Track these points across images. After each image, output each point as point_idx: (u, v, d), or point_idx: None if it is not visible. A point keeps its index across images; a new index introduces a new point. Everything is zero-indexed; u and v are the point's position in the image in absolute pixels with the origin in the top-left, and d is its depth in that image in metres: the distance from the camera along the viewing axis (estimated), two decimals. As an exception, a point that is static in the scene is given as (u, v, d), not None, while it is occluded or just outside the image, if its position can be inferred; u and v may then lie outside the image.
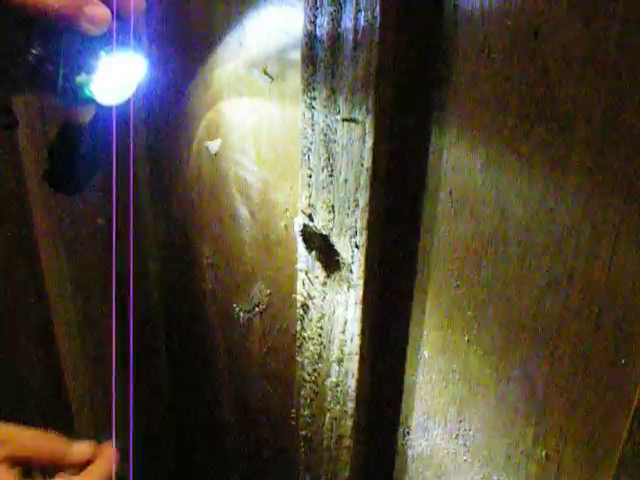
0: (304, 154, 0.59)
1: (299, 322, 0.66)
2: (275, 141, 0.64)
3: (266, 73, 0.62)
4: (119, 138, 0.76)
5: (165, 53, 0.73)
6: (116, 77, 0.61)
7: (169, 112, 0.76)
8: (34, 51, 0.58)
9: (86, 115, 0.67)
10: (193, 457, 1.04)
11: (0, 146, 1.02)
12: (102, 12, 0.56)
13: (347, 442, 0.67)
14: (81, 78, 0.59)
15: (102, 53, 0.59)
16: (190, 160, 0.75)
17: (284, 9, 0.58)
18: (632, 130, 0.41)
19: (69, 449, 0.68)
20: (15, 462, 0.66)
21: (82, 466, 0.69)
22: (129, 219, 0.80)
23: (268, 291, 0.72)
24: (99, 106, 0.69)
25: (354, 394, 0.64)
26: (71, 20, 0.56)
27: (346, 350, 0.63)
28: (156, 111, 0.78)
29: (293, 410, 0.72)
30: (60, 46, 0.58)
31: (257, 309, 0.74)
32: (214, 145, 0.71)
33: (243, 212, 0.71)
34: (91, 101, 0.61)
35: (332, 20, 0.53)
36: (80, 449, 0.69)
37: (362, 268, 0.59)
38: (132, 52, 0.61)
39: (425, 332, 0.58)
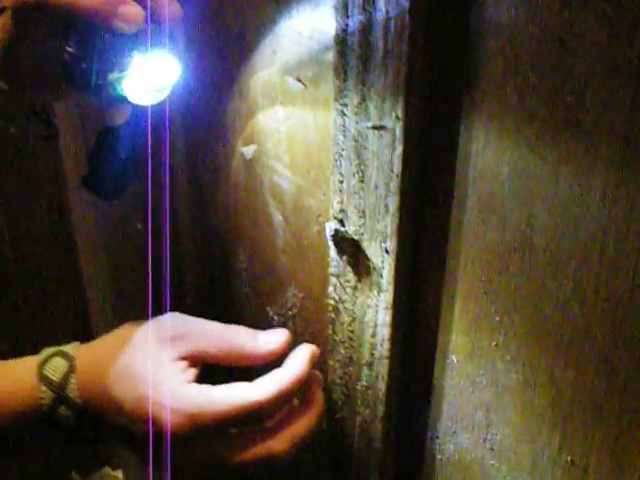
0: (336, 160, 0.60)
1: (330, 326, 0.68)
2: (308, 147, 0.65)
3: (299, 80, 0.63)
4: (156, 143, 0.77)
5: (201, 59, 0.75)
6: (149, 78, 0.62)
7: (206, 118, 0.78)
8: (69, 49, 0.60)
9: (121, 117, 0.68)
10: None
11: (42, 153, 1.05)
12: (135, 11, 0.59)
13: (377, 445, 0.68)
14: (113, 76, 0.60)
15: (135, 53, 0.60)
16: (226, 166, 0.77)
17: (316, 17, 0.59)
18: (655, 138, 0.41)
19: (255, 342, 0.67)
20: (195, 360, 0.66)
21: (272, 362, 0.67)
22: (165, 224, 0.82)
23: (301, 295, 0.73)
24: (135, 110, 0.71)
25: (384, 398, 0.65)
26: (105, 19, 0.58)
27: (376, 354, 0.64)
28: (193, 117, 0.80)
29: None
30: (94, 44, 0.60)
31: (290, 313, 0.75)
32: (249, 151, 0.72)
33: (277, 217, 0.72)
34: (123, 100, 0.63)
35: (363, 28, 0.54)
36: (266, 339, 0.67)
37: (392, 273, 0.59)
38: (166, 55, 0.62)
39: (453, 337, 0.59)
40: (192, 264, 0.90)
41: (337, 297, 0.66)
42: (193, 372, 0.65)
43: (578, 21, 0.43)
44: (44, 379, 0.63)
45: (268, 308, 0.78)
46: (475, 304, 0.56)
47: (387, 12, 0.52)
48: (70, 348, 0.66)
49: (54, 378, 0.63)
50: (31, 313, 1.31)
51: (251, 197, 0.75)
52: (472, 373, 0.58)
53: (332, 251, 0.64)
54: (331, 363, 0.69)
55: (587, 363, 0.49)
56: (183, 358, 0.64)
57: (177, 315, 0.67)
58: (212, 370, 0.68)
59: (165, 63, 0.63)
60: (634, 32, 0.40)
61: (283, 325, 0.76)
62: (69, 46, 0.60)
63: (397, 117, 0.54)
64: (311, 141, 0.64)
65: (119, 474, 1.26)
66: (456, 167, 0.54)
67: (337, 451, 0.74)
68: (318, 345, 0.70)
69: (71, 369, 0.64)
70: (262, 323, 0.80)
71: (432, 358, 0.62)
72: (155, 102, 0.65)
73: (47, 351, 0.66)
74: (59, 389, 0.63)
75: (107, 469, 1.26)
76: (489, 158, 0.51)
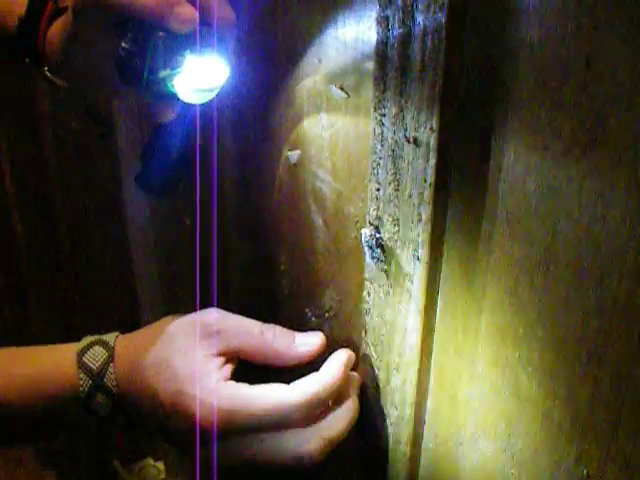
0: (373, 168, 0.62)
1: (363, 329, 0.69)
2: (349, 155, 0.67)
3: (342, 89, 0.65)
4: (205, 143, 0.80)
5: (251, 64, 0.77)
6: (198, 77, 0.65)
7: (254, 121, 0.80)
8: (125, 45, 0.63)
9: (169, 114, 0.71)
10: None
11: (100, 150, 1.09)
12: (190, 12, 0.62)
13: (404, 449, 0.70)
14: (165, 73, 0.63)
15: (187, 52, 0.63)
16: (271, 168, 0.79)
17: (360, 28, 0.61)
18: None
19: (291, 342, 0.68)
20: (232, 356, 0.68)
21: (307, 364, 0.69)
22: (213, 222, 0.84)
23: (338, 298, 0.75)
24: (185, 110, 0.74)
25: (412, 402, 0.67)
26: (160, 18, 0.61)
27: (405, 359, 0.65)
28: (242, 119, 0.83)
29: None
30: (148, 42, 0.63)
31: (327, 315, 0.77)
32: (294, 156, 0.74)
33: (318, 221, 0.74)
34: (173, 97, 0.66)
35: (402, 41, 0.56)
36: (303, 341, 0.69)
37: (422, 280, 0.61)
38: (216, 57, 0.65)
39: (479, 347, 0.60)
40: (237, 262, 0.92)
41: (370, 301, 0.67)
42: (229, 368, 0.67)
43: (605, 43, 0.44)
44: (83, 366, 0.66)
45: (307, 309, 0.80)
46: (500, 315, 0.57)
47: (425, 26, 0.53)
48: (110, 337, 0.69)
49: (93, 366, 0.66)
50: (83, 303, 1.36)
51: (294, 200, 0.77)
52: (496, 383, 0.60)
53: (367, 256, 0.66)
54: (362, 366, 0.71)
55: (604, 378, 0.50)
56: (220, 354, 0.66)
57: (216, 310, 0.69)
58: (248, 367, 0.70)
59: (214, 64, 0.66)
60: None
61: (320, 327, 0.78)
62: (125, 42, 0.63)
63: (432, 129, 0.56)
64: (352, 149, 0.66)
65: (160, 465, 1.29)
66: (487, 181, 0.55)
67: (367, 452, 0.75)
68: (352, 348, 0.72)
69: (110, 358, 0.67)
70: (300, 324, 0.81)
71: (459, 366, 0.63)
72: (203, 101, 0.68)
73: (88, 339, 0.69)
74: (97, 377, 0.66)
75: (149, 459, 1.30)
76: (518, 173, 0.52)
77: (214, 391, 0.63)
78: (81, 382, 0.66)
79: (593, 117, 0.46)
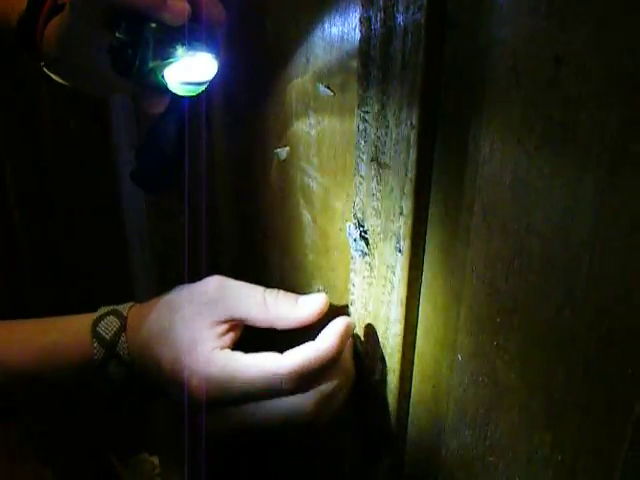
0: (357, 164, 0.64)
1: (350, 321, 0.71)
2: (335, 151, 0.69)
3: (329, 88, 0.67)
4: (199, 141, 0.82)
5: (242, 61, 0.79)
6: (188, 70, 0.67)
7: (245, 118, 0.82)
8: (118, 35, 0.65)
9: (158, 107, 0.73)
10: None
11: (98, 147, 1.11)
12: (182, 6, 0.65)
13: (389, 438, 0.71)
14: (155, 63, 0.66)
15: (177, 45, 0.66)
16: (262, 165, 0.81)
17: (345, 28, 0.63)
18: (636, 160, 0.44)
19: (293, 305, 0.68)
20: (234, 323, 0.68)
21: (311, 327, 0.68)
22: (203, 219, 0.86)
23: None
24: (178, 109, 0.75)
25: (396, 391, 0.68)
26: (154, 10, 0.64)
27: (388, 349, 0.67)
28: (234, 116, 0.85)
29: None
30: (141, 33, 0.65)
31: (315, 307, 0.79)
32: (283, 152, 0.76)
33: (306, 216, 0.76)
34: (163, 88, 0.68)
35: (384, 41, 0.58)
36: (304, 303, 0.69)
37: (404, 272, 0.63)
38: (206, 52, 0.67)
39: (459, 337, 0.62)
40: (229, 257, 0.94)
41: (355, 293, 0.69)
42: (231, 336, 0.67)
43: (572, 41, 0.46)
44: (97, 335, 0.68)
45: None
46: (479, 305, 0.59)
47: (405, 26, 0.55)
48: (124, 308, 0.71)
49: (106, 335, 0.68)
50: (80, 299, 1.37)
51: (284, 196, 0.79)
52: (475, 372, 0.61)
53: (352, 249, 0.68)
54: (349, 356, 0.73)
55: (576, 367, 0.52)
56: (222, 322, 0.67)
57: (218, 278, 0.69)
58: (254, 335, 0.70)
59: (204, 59, 0.68)
60: (622, 56, 0.43)
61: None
62: (118, 33, 0.65)
63: (412, 125, 0.57)
64: (338, 146, 0.68)
65: (155, 459, 1.31)
66: (466, 175, 0.57)
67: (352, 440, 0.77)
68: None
69: (122, 327, 0.69)
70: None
71: (441, 355, 0.65)
72: (192, 94, 0.70)
73: (103, 309, 0.71)
74: (110, 345, 0.68)
75: (144, 454, 1.32)
76: (494, 167, 0.54)
77: (207, 359, 0.64)
78: (95, 351, 0.68)
79: (563, 113, 0.48)
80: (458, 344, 0.62)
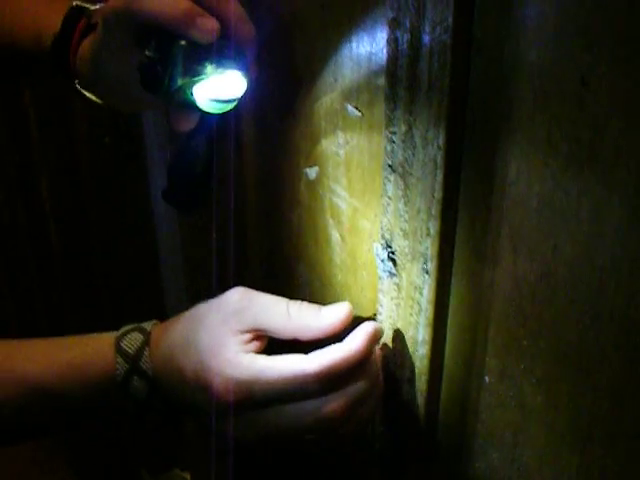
0: (385, 184, 0.64)
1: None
2: (363, 171, 0.69)
3: (357, 108, 0.67)
4: (230, 160, 0.83)
5: (272, 81, 0.80)
6: (217, 88, 0.68)
7: (275, 137, 0.83)
8: (148, 53, 0.66)
9: (188, 124, 0.73)
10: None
11: (134, 166, 1.12)
12: (211, 24, 0.65)
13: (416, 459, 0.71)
14: (184, 81, 0.66)
15: (206, 62, 0.66)
16: (291, 184, 0.81)
17: (373, 49, 0.63)
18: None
19: (317, 316, 0.67)
20: (259, 333, 0.67)
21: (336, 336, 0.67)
22: (231, 236, 0.87)
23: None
24: (207, 128, 0.76)
25: (423, 413, 0.68)
26: (184, 27, 0.64)
27: (416, 370, 0.67)
28: (264, 135, 0.85)
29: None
30: (170, 50, 0.66)
31: (344, 327, 0.79)
32: (312, 172, 0.76)
33: (335, 236, 0.76)
34: (192, 105, 0.69)
35: (410, 62, 0.58)
36: (329, 313, 0.67)
37: (432, 293, 0.63)
38: (235, 70, 0.68)
39: (487, 358, 0.62)
40: (258, 274, 0.95)
41: (383, 313, 0.69)
42: (255, 345, 0.66)
43: (598, 64, 0.46)
44: (120, 351, 0.68)
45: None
46: (506, 327, 0.59)
47: (431, 47, 0.55)
48: (148, 324, 0.71)
49: (129, 350, 0.68)
50: (112, 309, 1.39)
51: (312, 215, 0.79)
52: (502, 394, 0.61)
53: (379, 269, 0.67)
54: (378, 363, 0.72)
55: (603, 389, 0.51)
56: (246, 331, 0.66)
57: (242, 289, 0.69)
58: (278, 345, 0.70)
59: (233, 77, 0.69)
60: (647, 76, 0.43)
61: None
62: (148, 50, 0.66)
63: (439, 147, 0.57)
64: (366, 166, 0.68)
65: (187, 476, 1.31)
66: (492, 196, 0.57)
67: (379, 462, 0.77)
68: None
69: (146, 342, 0.69)
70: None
71: (468, 377, 0.64)
72: (220, 112, 0.71)
73: (127, 327, 0.71)
74: (133, 360, 0.68)
75: (176, 470, 1.32)
76: (521, 189, 0.54)
77: (231, 362, 0.64)
78: (118, 366, 0.68)
79: (588, 134, 0.47)
80: (486, 366, 0.62)
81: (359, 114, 0.67)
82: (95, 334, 0.73)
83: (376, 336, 0.66)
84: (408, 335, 0.66)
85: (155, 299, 1.20)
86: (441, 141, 0.57)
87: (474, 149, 0.57)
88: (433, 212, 0.60)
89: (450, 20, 0.53)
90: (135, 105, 0.78)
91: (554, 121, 0.50)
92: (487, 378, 0.62)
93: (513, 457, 0.62)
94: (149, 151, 1.05)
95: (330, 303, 0.78)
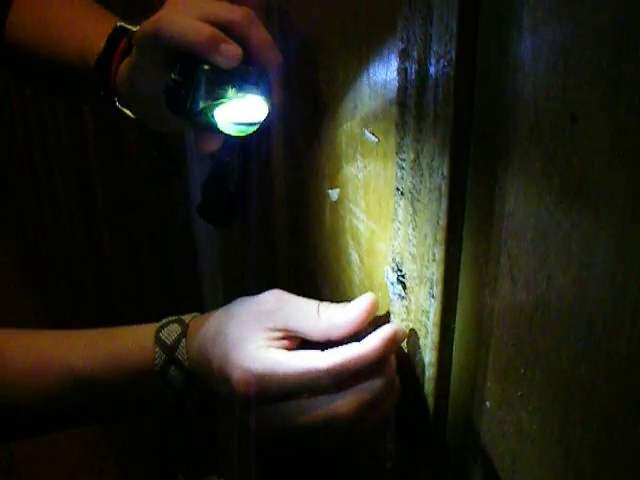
0: (395, 209, 0.66)
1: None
2: (379, 195, 0.70)
3: (373, 134, 0.69)
4: (261, 180, 0.85)
5: (299, 105, 0.82)
6: (238, 111, 0.70)
7: (302, 159, 0.85)
8: (174, 77, 0.70)
9: (212, 146, 0.76)
10: None
11: (175, 182, 1.16)
12: (234, 50, 0.68)
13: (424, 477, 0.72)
14: (207, 104, 0.69)
15: (229, 87, 0.69)
16: (316, 205, 0.83)
17: (387, 77, 0.65)
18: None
19: (343, 312, 0.68)
20: (290, 333, 0.68)
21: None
22: (260, 252, 0.89)
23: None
24: (239, 147, 0.79)
25: (430, 434, 0.69)
26: (207, 53, 0.67)
27: (424, 392, 0.68)
28: (293, 157, 0.87)
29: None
30: (194, 74, 0.69)
31: (362, 346, 0.80)
32: (334, 194, 0.78)
33: (355, 257, 0.78)
34: (214, 127, 0.71)
35: (418, 92, 0.59)
36: (352, 307, 0.68)
37: (437, 317, 0.64)
38: (257, 94, 0.70)
39: (488, 384, 0.62)
40: (286, 288, 0.97)
41: (395, 335, 0.70)
42: (283, 343, 0.67)
43: (586, 101, 0.47)
44: (159, 341, 0.71)
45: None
46: (505, 354, 0.59)
47: (436, 78, 0.57)
48: (188, 316, 0.74)
49: (167, 341, 0.71)
50: (155, 306, 1.43)
51: (335, 236, 0.81)
52: (502, 420, 0.62)
53: (390, 292, 0.69)
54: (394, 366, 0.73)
55: (592, 420, 0.52)
56: (277, 330, 0.68)
57: (279, 292, 0.71)
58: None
59: (255, 101, 0.71)
60: (629, 115, 0.44)
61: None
62: (173, 73, 0.69)
63: (443, 175, 0.59)
64: (381, 190, 0.70)
65: (223, 482, 1.34)
66: (492, 226, 0.58)
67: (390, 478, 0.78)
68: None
69: (183, 334, 0.72)
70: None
71: (470, 402, 0.65)
72: (242, 135, 0.73)
73: (168, 318, 0.74)
74: (170, 350, 0.71)
75: (212, 476, 1.35)
76: (518, 221, 0.55)
77: (251, 355, 0.65)
78: (156, 356, 0.71)
79: (578, 170, 0.48)
80: (487, 391, 0.63)
81: (376, 140, 0.69)
82: (138, 325, 0.75)
83: (396, 339, 0.66)
84: (417, 357, 0.68)
85: (194, 296, 1.23)
86: (445, 170, 0.58)
87: (477, 179, 0.58)
88: (438, 238, 0.61)
89: (453, 53, 0.55)
90: (167, 125, 0.81)
91: (547, 156, 0.51)
92: (488, 403, 0.63)
93: (512, 483, 0.62)
94: (190, 165, 1.09)
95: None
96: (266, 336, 0.67)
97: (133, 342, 0.73)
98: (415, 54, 0.58)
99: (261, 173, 0.90)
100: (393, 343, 0.66)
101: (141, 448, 1.74)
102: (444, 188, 0.59)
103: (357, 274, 0.79)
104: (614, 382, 0.50)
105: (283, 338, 0.68)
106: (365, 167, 0.72)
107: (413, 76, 0.59)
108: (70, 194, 2.04)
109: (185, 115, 0.70)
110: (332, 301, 0.82)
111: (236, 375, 0.65)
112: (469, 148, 0.58)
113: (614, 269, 0.47)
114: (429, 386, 0.67)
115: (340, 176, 0.77)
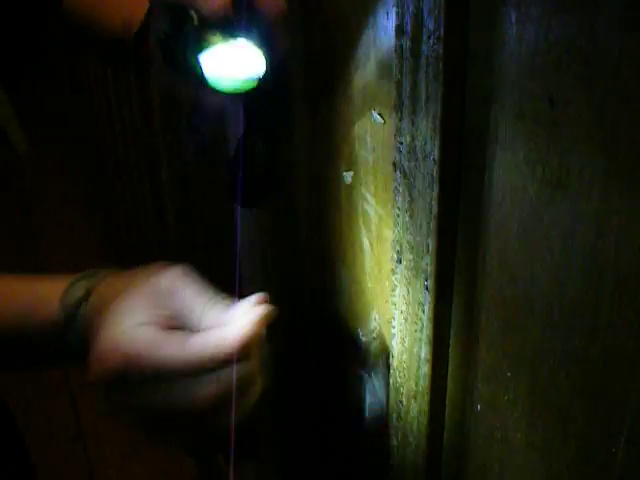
0: (395, 195, 0.62)
1: (391, 354, 0.69)
2: (386, 179, 0.67)
3: (380, 115, 0.65)
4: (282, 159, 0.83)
5: (318, 82, 0.79)
6: (229, 63, 0.67)
7: (323, 139, 0.82)
8: (164, 29, 0.68)
9: (209, 103, 0.74)
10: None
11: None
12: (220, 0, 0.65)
13: (421, 475, 0.69)
14: (194, 55, 0.67)
15: (218, 38, 0.66)
16: (333, 188, 0.80)
17: (389, 56, 0.61)
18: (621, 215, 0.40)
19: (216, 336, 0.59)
20: (176, 319, 0.62)
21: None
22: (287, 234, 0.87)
23: (379, 320, 0.75)
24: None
25: (425, 433, 0.66)
26: (193, 2, 0.66)
27: (420, 388, 0.65)
28: (316, 139, 0.84)
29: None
30: (183, 26, 0.67)
31: (373, 335, 0.77)
32: (348, 176, 0.75)
33: (366, 243, 0.75)
34: (204, 80, 0.68)
35: (411, 71, 0.56)
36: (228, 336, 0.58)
37: (431, 310, 0.60)
38: (252, 46, 0.67)
39: (479, 385, 0.59)
40: (309, 274, 0.94)
41: (395, 327, 0.67)
42: (162, 324, 0.61)
43: (564, 84, 0.43)
44: (63, 300, 0.67)
45: (359, 329, 0.81)
46: (494, 354, 0.56)
47: (427, 57, 0.53)
48: (101, 273, 0.69)
49: (70, 300, 0.67)
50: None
51: (349, 220, 0.78)
52: (491, 425, 0.58)
53: (393, 281, 0.66)
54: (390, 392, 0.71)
55: (575, 432, 0.48)
56: (160, 310, 0.62)
57: (183, 272, 0.64)
58: None
59: (249, 53, 0.67)
60: (605, 97, 0.40)
61: (367, 346, 0.78)
62: (164, 27, 0.68)
63: (434, 160, 0.55)
64: (388, 174, 0.67)
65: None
66: (481, 218, 0.54)
67: (392, 475, 0.75)
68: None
69: (88, 294, 0.67)
70: (354, 343, 0.82)
71: (464, 402, 0.62)
72: (237, 91, 0.70)
73: (83, 273, 0.70)
74: (73, 309, 0.66)
75: (251, 460, 1.34)
76: (504, 212, 0.51)
77: (126, 334, 0.60)
78: (58, 314, 0.67)
79: (558, 158, 0.44)
80: (477, 392, 0.59)
81: (382, 121, 0.66)
82: (53, 277, 0.71)
83: (261, 324, 0.59)
84: (414, 351, 0.64)
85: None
86: (436, 155, 0.55)
87: (469, 166, 0.55)
88: (431, 228, 0.58)
89: (442, 30, 0.51)
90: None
91: (532, 143, 0.47)
92: (479, 406, 0.59)
93: (500, 490, 0.59)
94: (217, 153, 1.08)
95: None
96: (147, 313, 0.61)
97: (44, 296, 0.69)
98: (409, 30, 0.55)
99: (285, 154, 0.88)
100: (258, 329, 0.59)
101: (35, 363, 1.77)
102: (435, 173, 0.55)
103: (368, 262, 0.76)
104: (590, 391, 0.46)
105: (166, 320, 0.61)
106: (374, 149, 0.69)
107: (408, 53, 0.56)
108: (141, 166, 2.09)
109: (179, 69, 0.68)
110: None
111: (104, 353, 0.60)
112: (462, 132, 0.54)
113: (589, 268, 0.43)
114: (424, 383, 0.64)
115: (353, 158, 0.74)
